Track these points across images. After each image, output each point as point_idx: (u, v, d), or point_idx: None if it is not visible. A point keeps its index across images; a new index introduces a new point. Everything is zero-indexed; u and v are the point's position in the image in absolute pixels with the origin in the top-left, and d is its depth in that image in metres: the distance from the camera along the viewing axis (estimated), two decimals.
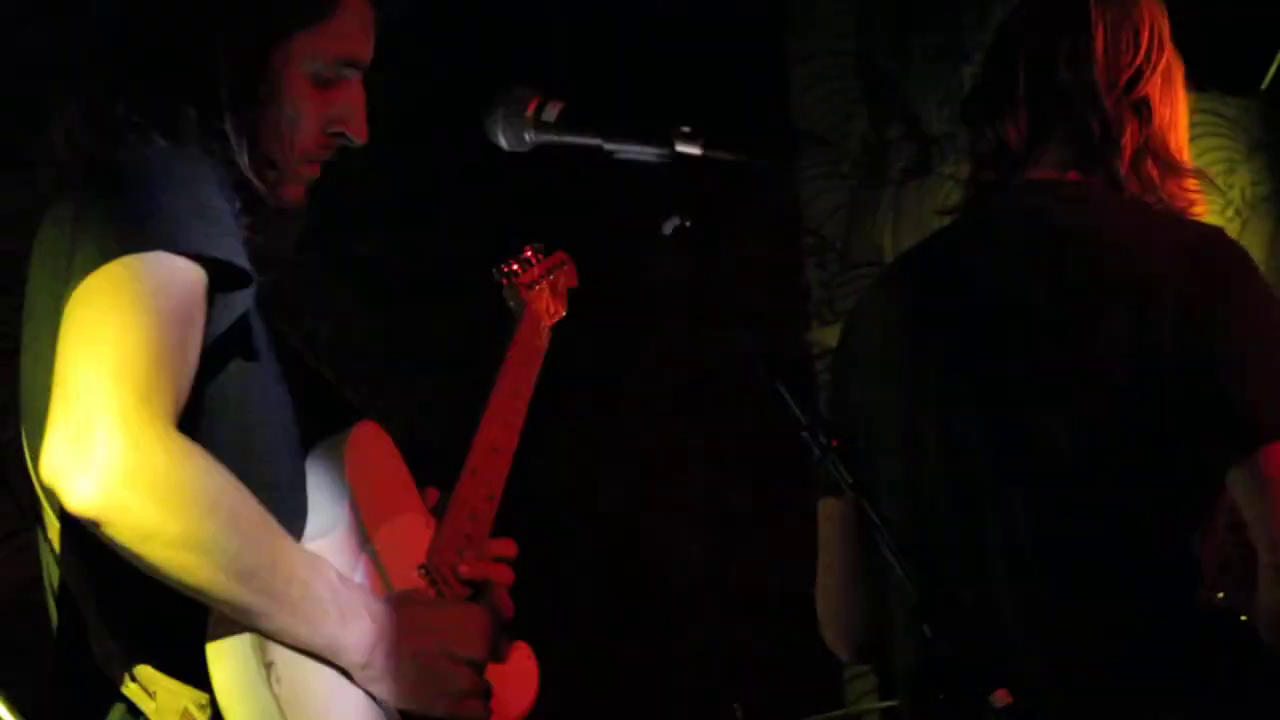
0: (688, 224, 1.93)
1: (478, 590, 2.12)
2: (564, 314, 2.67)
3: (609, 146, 1.98)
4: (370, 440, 2.08)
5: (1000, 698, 1.74)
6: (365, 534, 1.99)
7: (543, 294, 2.61)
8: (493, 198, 4.64)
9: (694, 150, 1.95)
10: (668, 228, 1.92)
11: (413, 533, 2.11)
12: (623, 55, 4.93)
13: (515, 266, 2.61)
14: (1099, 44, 2.37)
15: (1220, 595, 2.29)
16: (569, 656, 2.21)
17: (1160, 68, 2.39)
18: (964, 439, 2.36)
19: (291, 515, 1.92)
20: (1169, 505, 2.26)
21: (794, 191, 5.33)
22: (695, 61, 5.03)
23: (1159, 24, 2.42)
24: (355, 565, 1.97)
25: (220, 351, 1.89)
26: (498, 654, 2.07)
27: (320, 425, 2.04)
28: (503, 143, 2.06)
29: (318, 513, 1.97)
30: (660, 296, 5.03)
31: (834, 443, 1.84)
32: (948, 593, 2.09)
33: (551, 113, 2.02)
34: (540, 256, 2.68)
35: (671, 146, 1.96)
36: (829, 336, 5.06)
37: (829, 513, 2.54)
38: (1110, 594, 2.26)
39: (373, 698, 1.90)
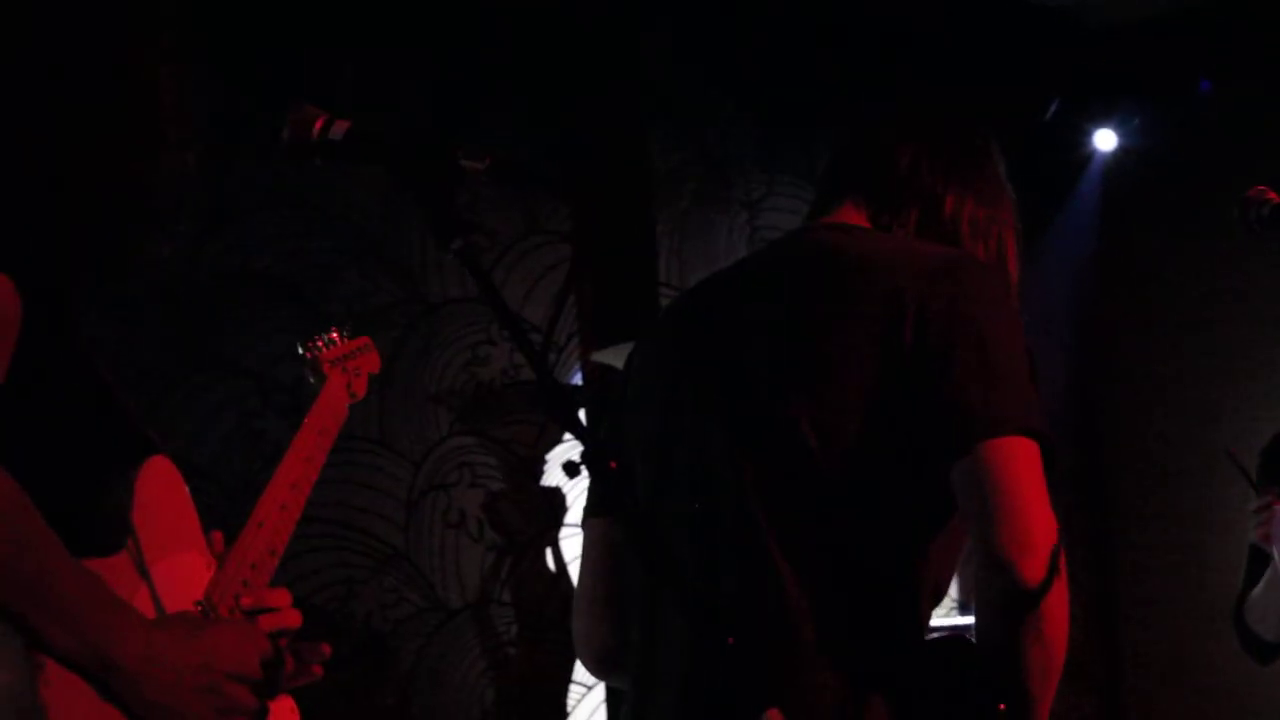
0: (472, 243, 1.94)
1: None
2: (362, 396, 2.80)
3: (392, 167, 1.99)
4: (161, 476, 2.09)
5: (772, 717, 1.77)
6: (144, 564, 2.00)
7: (344, 375, 2.75)
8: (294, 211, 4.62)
9: (479, 167, 1.97)
10: (454, 245, 1.93)
11: (193, 571, 2.12)
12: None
13: (318, 344, 2.78)
14: (910, 148, 2.52)
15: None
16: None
17: (970, 182, 2.53)
18: (708, 448, 2.39)
19: (76, 532, 1.89)
20: (905, 511, 2.28)
21: (579, 211, 5.37)
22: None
23: (974, 153, 2.57)
24: (133, 592, 1.96)
25: (28, 362, 1.88)
26: (272, 679, 2.05)
27: (116, 454, 2.04)
28: (291, 158, 2.06)
29: (101, 536, 1.96)
30: (442, 315, 5.03)
31: (611, 465, 1.86)
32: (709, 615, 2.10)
33: (337, 132, 2.02)
34: (344, 339, 2.84)
35: (456, 165, 1.97)
36: (608, 357, 5.10)
37: (595, 534, 2.58)
38: (839, 600, 2.27)
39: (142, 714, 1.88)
